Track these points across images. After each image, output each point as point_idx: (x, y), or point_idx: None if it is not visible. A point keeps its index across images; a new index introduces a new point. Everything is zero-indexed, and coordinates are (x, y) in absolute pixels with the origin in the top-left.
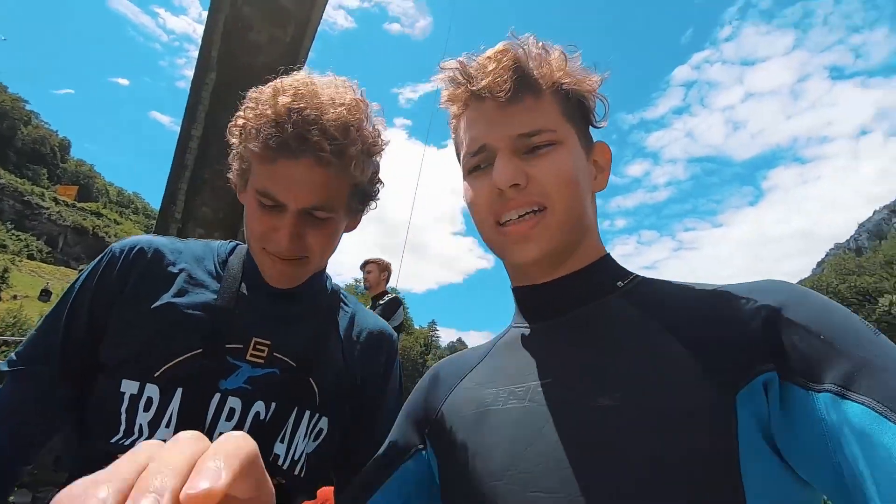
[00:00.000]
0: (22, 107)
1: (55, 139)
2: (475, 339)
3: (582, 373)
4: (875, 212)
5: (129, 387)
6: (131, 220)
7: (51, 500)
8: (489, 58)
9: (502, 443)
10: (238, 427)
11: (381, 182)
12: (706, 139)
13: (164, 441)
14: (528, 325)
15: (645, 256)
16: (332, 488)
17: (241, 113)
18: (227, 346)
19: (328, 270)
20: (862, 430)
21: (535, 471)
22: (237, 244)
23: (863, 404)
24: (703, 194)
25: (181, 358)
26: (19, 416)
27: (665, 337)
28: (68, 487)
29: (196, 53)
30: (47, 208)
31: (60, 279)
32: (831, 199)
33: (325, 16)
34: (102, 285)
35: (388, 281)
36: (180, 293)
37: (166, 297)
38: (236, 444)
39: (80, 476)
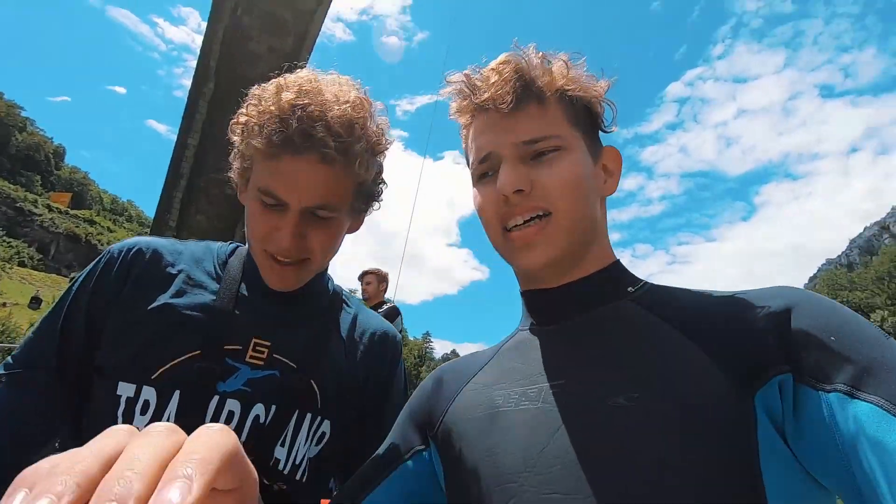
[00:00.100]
0: (17, 113)
1: (50, 146)
2: (469, 350)
3: (596, 373)
4: (866, 228)
5: (125, 389)
6: (125, 227)
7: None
8: (492, 69)
9: (516, 444)
10: (237, 431)
11: (385, 182)
12: (699, 154)
13: (140, 428)
14: (537, 327)
15: (639, 270)
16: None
17: (244, 110)
18: (226, 347)
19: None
20: (870, 429)
21: (551, 471)
22: (237, 245)
23: (872, 403)
24: (696, 209)
25: (179, 359)
26: (16, 419)
27: (679, 338)
28: (34, 465)
29: (194, 63)
30: (40, 215)
31: (51, 286)
32: (822, 215)
33: (323, 28)
34: (100, 287)
35: (385, 291)
36: (179, 294)
37: (164, 298)
38: (212, 442)
39: None
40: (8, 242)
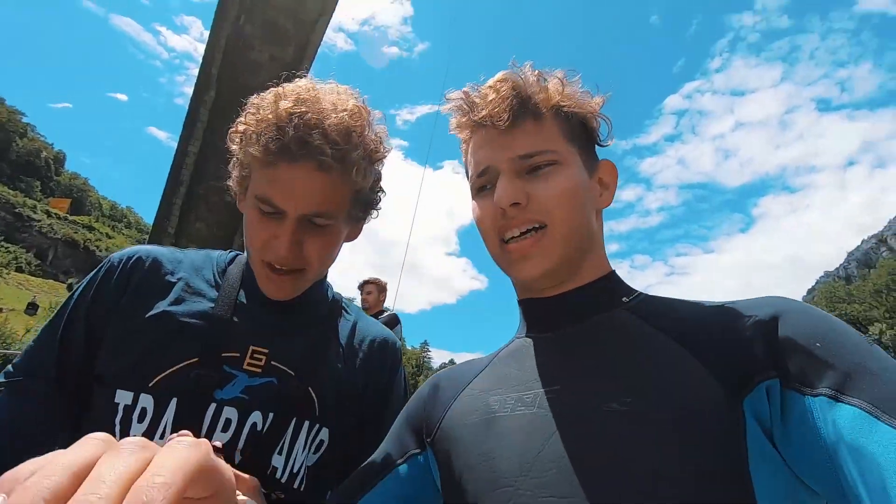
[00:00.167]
0: (18, 119)
1: (50, 152)
2: (467, 360)
3: (591, 379)
4: (863, 241)
5: (123, 397)
6: (123, 234)
7: None
8: (490, 87)
9: (512, 448)
10: (234, 438)
11: (383, 190)
12: (697, 166)
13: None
14: (534, 335)
15: (638, 281)
16: None
17: (242, 118)
18: (224, 354)
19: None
20: (853, 432)
21: (547, 476)
22: (237, 254)
23: (855, 406)
24: (694, 220)
25: (176, 367)
26: (16, 427)
27: (672, 345)
28: (15, 470)
29: (196, 71)
30: (38, 221)
31: (48, 292)
32: (820, 227)
33: (324, 38)
34: (99, 296)
35: (384, 301)
36: (177, 302)
37: (163, 306)
38: (176, 461)
39: None
40: (6, 248)
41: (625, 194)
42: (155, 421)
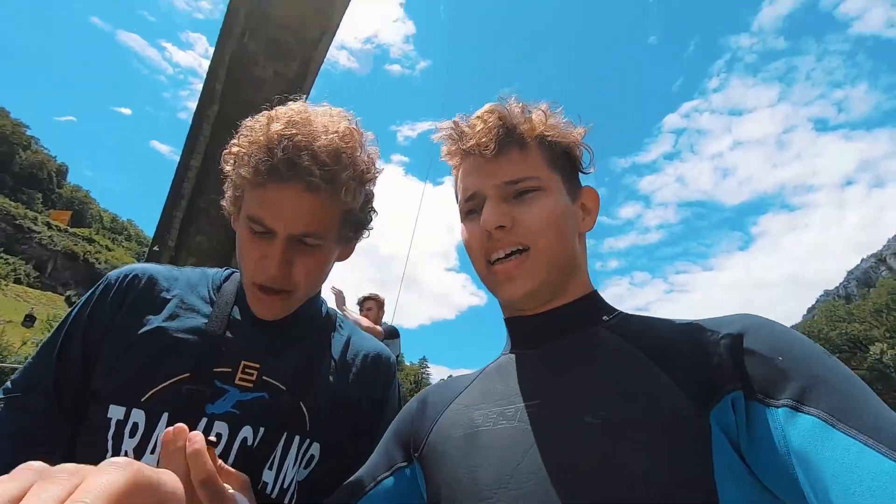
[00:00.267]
0: (22, 132)
1: (53, 164)
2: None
3: (569, 394)
4: (863, 259)
5: (115, 412)
6: (123, 246)
7: None
8: (478, 118)
9: (493, 461)
10: (225, 453)
11: (375, 211)
12: (696, 184)
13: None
14: (518, 351)
15: (638, 298)
16: None
17: (236, 140)
18: (216, 369)
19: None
20: (811, 440)
21: (525, 487)
22: (233, 271)
23: (813, 415)
24: (693, 238)
25: (169, 382)
26: (14, 443)
27: (646, 362)
28: None
29: (200, 87)
30: (38, 232)
31: (46, 304)
32: (819, 245)
33: (327, 55)
34: (96, 314)
35: (383, 316)
36: (171, 318)
37: (157, 322)
38: (104, 483)
39: None
40: (5, 259)
41: (624, 211)
42: (146, 436)
